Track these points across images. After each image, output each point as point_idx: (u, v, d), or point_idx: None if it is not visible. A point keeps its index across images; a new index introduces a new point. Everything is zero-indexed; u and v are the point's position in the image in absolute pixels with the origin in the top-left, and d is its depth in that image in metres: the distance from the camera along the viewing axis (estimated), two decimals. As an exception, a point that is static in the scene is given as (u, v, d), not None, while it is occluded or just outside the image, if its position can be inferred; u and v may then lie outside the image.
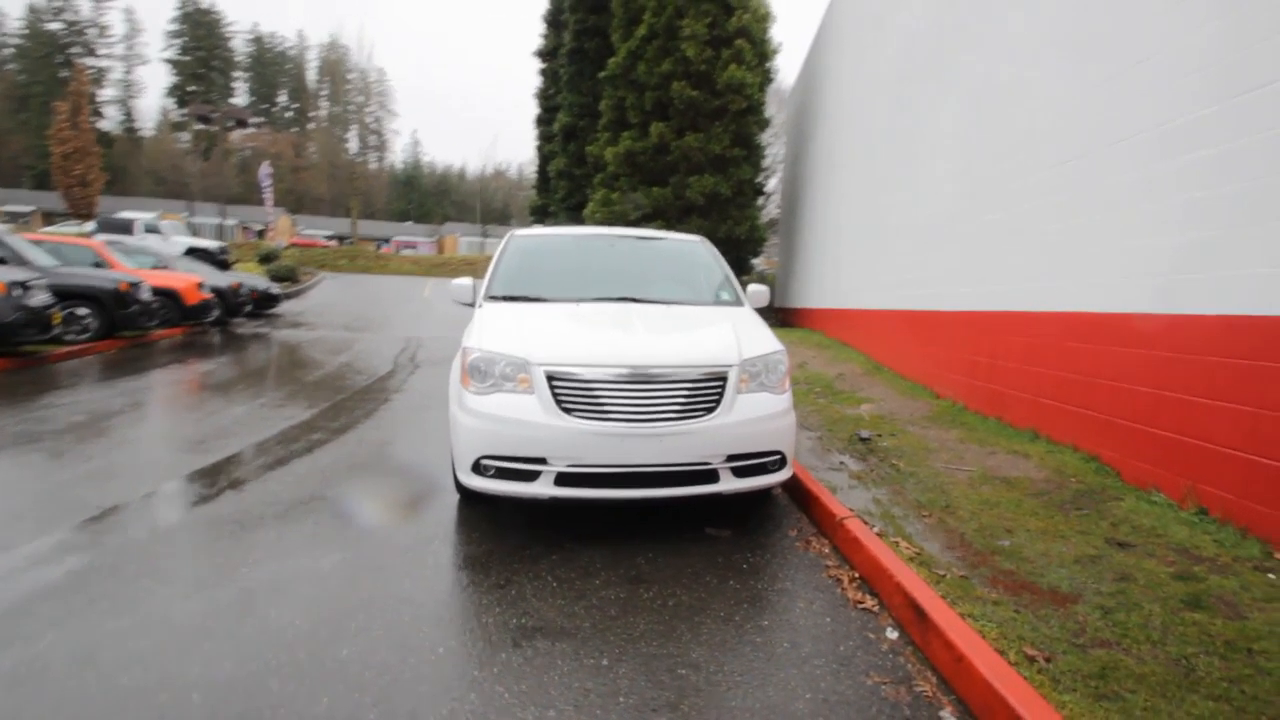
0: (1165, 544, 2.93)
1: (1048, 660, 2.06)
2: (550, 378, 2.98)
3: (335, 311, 16.65)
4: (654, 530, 3.28)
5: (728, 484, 3.06)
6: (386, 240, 54.68)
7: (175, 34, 62.70)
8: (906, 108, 7.49)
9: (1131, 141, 3.79)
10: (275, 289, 16.13)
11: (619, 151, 14.20)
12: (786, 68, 41.28)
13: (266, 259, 23.15)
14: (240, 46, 67.44)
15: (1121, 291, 3.81)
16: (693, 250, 4.65)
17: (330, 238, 47.96)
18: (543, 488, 2.97)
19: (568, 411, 2.93)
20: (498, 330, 3.36)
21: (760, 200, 15.49)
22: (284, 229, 40.40)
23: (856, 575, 2.79)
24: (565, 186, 18.05)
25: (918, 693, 2.05)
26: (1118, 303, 3.84)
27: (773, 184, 19.74)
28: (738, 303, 4.16)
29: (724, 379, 3.08)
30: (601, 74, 15.27)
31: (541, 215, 22.50)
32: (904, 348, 7.22)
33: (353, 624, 2.30)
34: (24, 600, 2.41)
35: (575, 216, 18.34)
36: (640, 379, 2.97)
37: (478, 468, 3.04)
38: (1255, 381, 2.88)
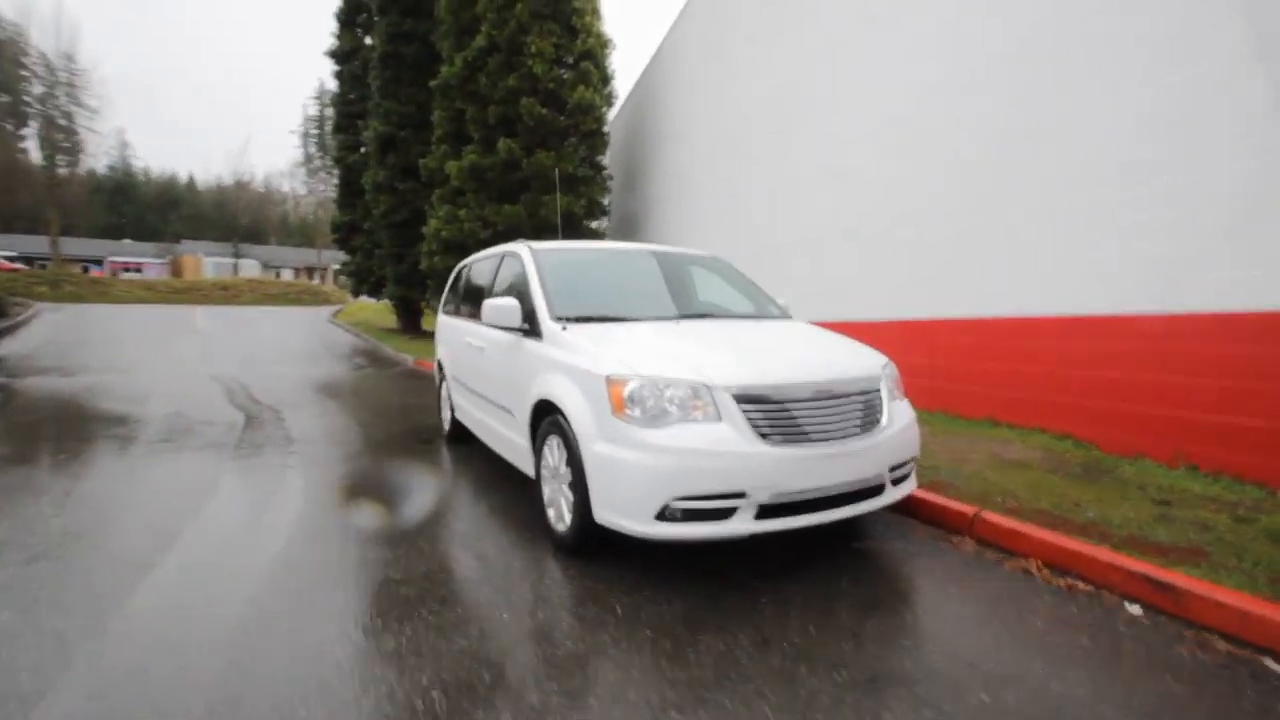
0: (1196, 497, 3.63)
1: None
2: (740, 401, 2.70)
3: (84, 352, 13.03)
4: (800, 557, 3.12)
5: (889, 495, 3.05)
6: (98, 262, 44.20)
7: None
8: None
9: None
10: (-15, 325, 12.08)
11: (463, 166, 13.33)
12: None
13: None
14: None
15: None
16: (721, 265, 4.57)
17: (13, 258, 37.29)
18: (740, 524, 2.66)
19: (764, 437, 2.68)
20: (630, 353, 2.95)
21: (605, 221, 15.72)
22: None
23: (1036, 563, 2.97)
24: (387, 200, 16.36)
25: (1220, 650, 2.25)
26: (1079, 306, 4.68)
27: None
28: (786, 314, 4.19)
29: (879, 390, 3.08)
30: (432, 83, 14.26)
31: (348, 233, 20.06)
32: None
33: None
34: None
35: (400, 233, 16.75)
36: (825, 395, 2.84)
37: (663, 514, 2.62)
38: (1222, 361, 3.73)
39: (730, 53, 10.20)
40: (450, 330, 5.57)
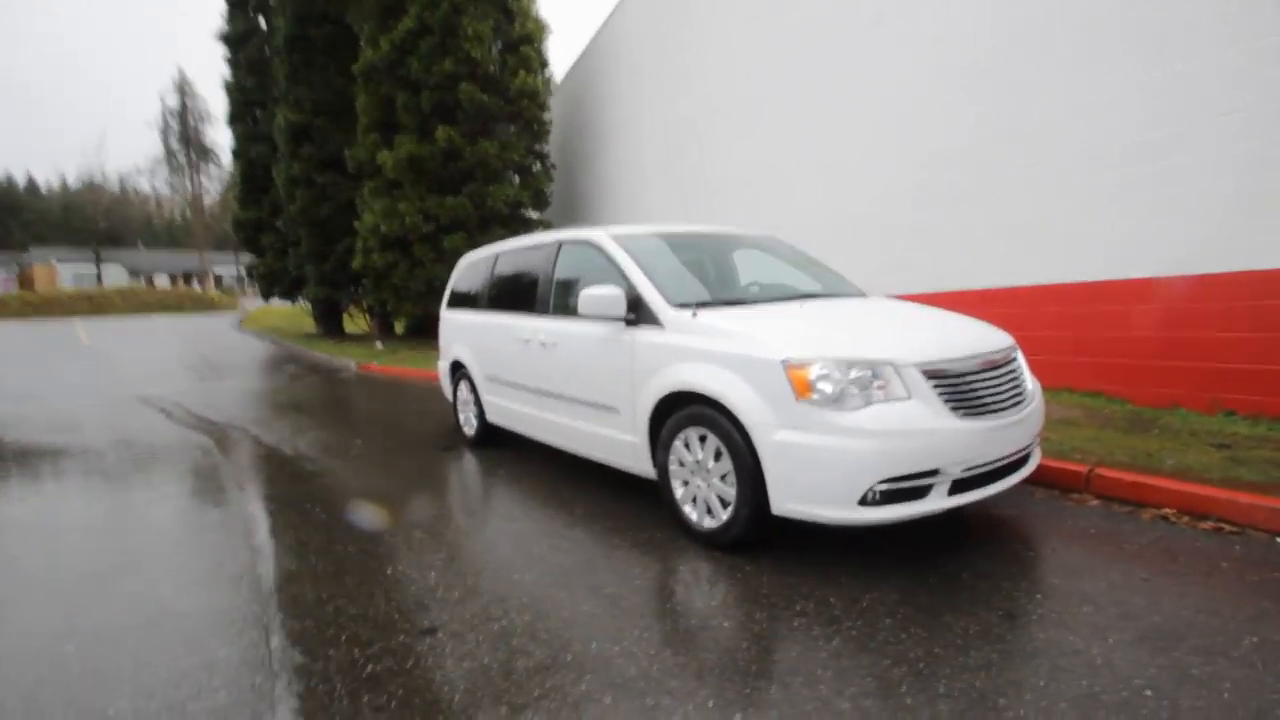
0: (1250, 439, 3.96)
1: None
2: (929, 377, 2.63)
3: (-45, 379, 11.12)
4: (943, 534, 3.11)
5: (1032, 463, 3.10)
6: (-80, 277, 37.99)
7: None
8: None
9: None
10: None
11: (400, 156, 12.45)
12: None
13: None
14: None
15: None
16: (786, 245, 4.48)
17: None
18: (935, 502, 2.61)
19: (954, 412, 2.63)
20: (794, 335, 2.82)
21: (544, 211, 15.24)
22: None
23: (1171, 511, 3.12)
24: (304, 195, 15.00)
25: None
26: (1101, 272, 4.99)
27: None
28: (862, 292, 4.17)
29: (1020, 359, 3.12)
30: (354, 67, 13.20)
31: (254, 231, 18.25)
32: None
33: None
34: None
35: (322, 230, 15.45)
36: (989, 366, 2.83)
37: (865, 498, 2.52)
38: (1256, 314, 4.10)
39: (689, 36, 10.10)
40: (474, 328, 5.16)
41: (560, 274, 4.15)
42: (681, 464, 3.12)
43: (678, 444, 3.12)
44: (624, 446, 3.50)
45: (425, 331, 16.16)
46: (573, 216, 14.62)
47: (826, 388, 2.58)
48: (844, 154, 7.21)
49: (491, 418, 5.05)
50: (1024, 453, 2.94)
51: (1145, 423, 4.49)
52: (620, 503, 3.68)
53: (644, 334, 3.31)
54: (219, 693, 2.04)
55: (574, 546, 3.11)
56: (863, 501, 2.52)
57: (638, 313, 3.37)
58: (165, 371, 12.22)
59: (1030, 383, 3.08)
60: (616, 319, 3.42)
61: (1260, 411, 4.18)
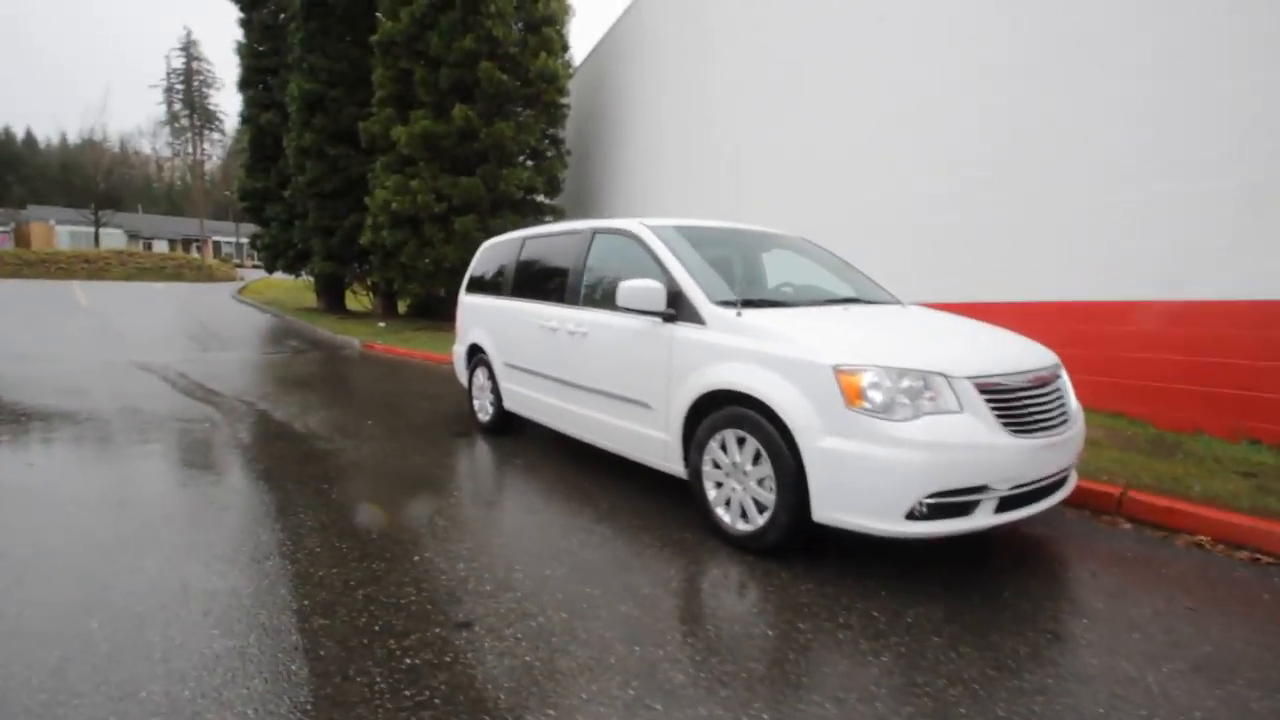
0: (1273, 469, 3.94)
1: None
2: (981, 391, 2.59)
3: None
4: (975, 552, 3.08)
5: (1072, 483, 3.06)
6: (-86, 229, 37.46)
7: None
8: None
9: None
10: None
11: (414, 133, 12.30)
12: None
13: None
14: None
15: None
16: (818, 247, 4.42)
17: None
18: (982, 518, 2.57)
19: (1005, 427, 2.59)
20: (841, 339, 2.77)
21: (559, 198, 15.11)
22: None
23: (1206, 538, 3.10)
24: (314, 167, 14.82)
25: None
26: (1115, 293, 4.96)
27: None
28: (897, 299, 4.12)
29: (1064, 378, 3.07)
30: (372, 38, 13.01)
31: (261, 201, 18.02)
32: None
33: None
34: None
35: (331, 204, 15.28)
36: (1037, 384, 2.79)
37: (912, 512, 2.48)
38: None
39: (715, 23, 9.96)
40: (496, 314, 5.09)
41: (593, 264, 4.08)
42: (716, 465, 3.07)
43: (713, 445, 3.07)
44: (654, 443, 3.45)
45: (429, 312, 16.07)
46: (586, 204, 14.50)
47: (877, 396, 2.53)
48: (875, 139, 7.14)
49: (509, 405, 4.99)
50: (1065, 473, 2.90)
51: (1169, 446, 4.47)
52: (644, 499, 3.64)
53: (683, 330, 3.25)
54: (254, 680, 1.98)
55: (602, 543, 3.06)
56: (909, 515, 2.48)
57: (677, 308, 3.31)
58: (166, 339, 12.09)
59: (1074, 403, 3.04)
60: (654, 313, 3.36)
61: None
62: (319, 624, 2.31)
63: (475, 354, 5.50)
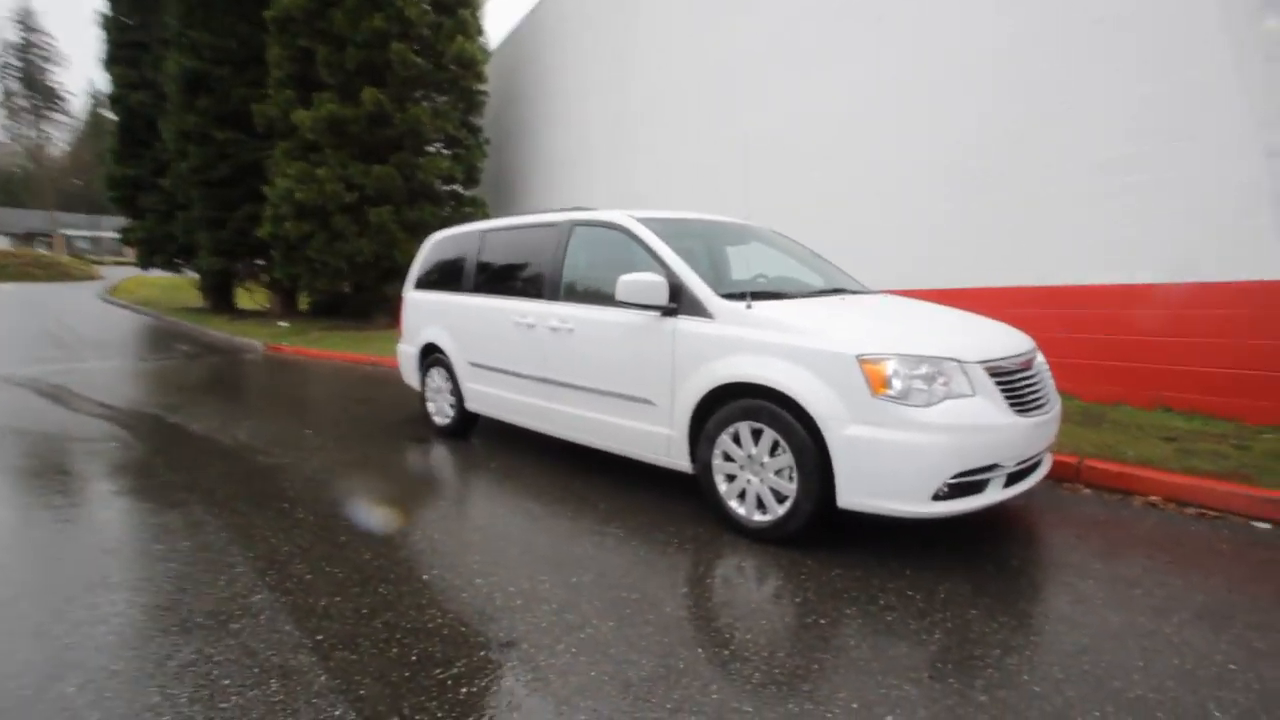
0: (1191, 433, 4.45)
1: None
2: (991, 374, 2.73)
3: None
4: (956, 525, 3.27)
5: (1051, 457, 3.30)
6: None
7: None
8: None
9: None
10: None
11: (319, 116, 11.42)
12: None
13: None
14: None
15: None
16: (785, 237, 4.49)
17: None
18: (992, 495, 2.71)
19: (1011, 408, 2.74)
20: (856, 329, 2.84)
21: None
22: None
23: (1158, 498, 3.44)
24: (202, 154, 13.42)
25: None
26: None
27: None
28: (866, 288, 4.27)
29: (1041, 359, 3.30)
30: (267, 13, 11.95)
31: (132, 189, 16.06)
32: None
33: None
34: None
35: (219, 193, 13.90)
36: (1026, 366, 2.98)
37: (937, 492, 2.58)
38: (1194, 322, 4.61)
39: (652, 12, 9.91)
40: (457, 311, 4.82)
41: (573, 257, 3.95)
42: (728, 458, 3.06)
43: (724, 438, 3.05)
44: (655, 440, 3.39)
45: (334, 310, 15.05)
46: (507, 196, 14.05)
47: (899, 383, 2.61)
48: (829, 137, 7.36)
49: (473, 406, 4.76)
50: (1049, 448, 3.13)
51: (1096, 417, 4.94)
52: (638, 497, 3.57)
53: (687, 324, 3.20)
54: (296, 730, 1.76)
55: (619, 545, 2.98)
56: (934, 496, 2.58)
57: (678, 301, 3.26)
58: (28, 347, 10.60)
59: (1052, 383, 3.28)
60: (654, 307, 3.29)
61: (1193, 409, 4.72)
62: (345, 659, 2.09)
63: (429, 354, 5.20)
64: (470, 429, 5.05)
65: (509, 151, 14.22)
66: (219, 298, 16.77)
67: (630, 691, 1.91)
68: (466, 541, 3.06)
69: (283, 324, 13.88)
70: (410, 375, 5.53)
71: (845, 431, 2.65)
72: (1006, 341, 3.03)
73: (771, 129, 7.84)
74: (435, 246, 5.40)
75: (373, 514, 3.42)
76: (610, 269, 3.87)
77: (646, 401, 3.39)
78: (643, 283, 3.23)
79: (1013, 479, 2.81)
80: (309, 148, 11.81)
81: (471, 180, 13.29)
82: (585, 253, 3.91)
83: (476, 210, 13.24)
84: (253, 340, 11.66)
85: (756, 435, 2.94)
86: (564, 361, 3.85)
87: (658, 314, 3.32)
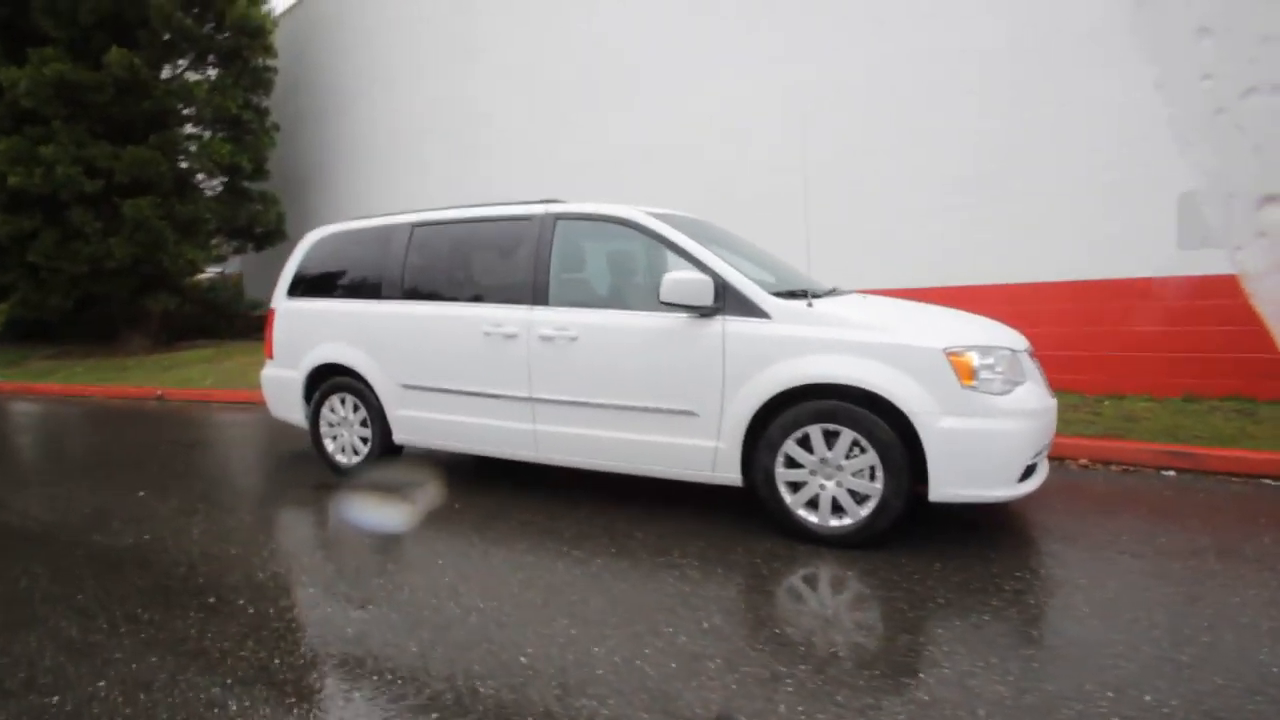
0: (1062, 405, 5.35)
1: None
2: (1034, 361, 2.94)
3: None
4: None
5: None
6: None
7: None
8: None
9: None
10: None
11: (41, 79, 8.64)
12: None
13: None
14: None
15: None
16: (721, 230, 4.33)
17: None
18: (1041, 473, 2.92)
19: (1049, 392, 2.99)
20: (927, 324, 2.89)
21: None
22: None
23: (1086, 460, 4.04)
24: None
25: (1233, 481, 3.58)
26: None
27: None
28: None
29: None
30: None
31: None
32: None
33: None
34: None
35: None
36: (1033, 355, 3.28)
37: (1022, 474, 2.71)
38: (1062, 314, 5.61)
39: None
40: (375, 321, 3.94)
41: (562, 256, 3.43)
42: (791, 464, 2.89)
43: (789, 443, 2.89)
44: (697, 454, 3.08)
45: (49, 334, 11.56)
46: (303, 191, 12.03)
47: (984, 374, 2.69)
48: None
49: (403, 437, 3.93)
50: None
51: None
52: (668, 519, 3.23)
53: (740, 325, 2.96)
54: None
55: (705, 577, 2.63)
56: (1019, 478, 2.72)
57: (724, 302, 3.00)
58: None
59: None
60: (694, 309, 2.99)
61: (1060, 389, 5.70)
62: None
63: (325, 378, 4.18)
64: (379, 465, 4.11)
65: (302, 140, 12.20)
66: None
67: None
68: (499, 598, 2.45)
69: (-28, 353, 10.31)
70: (288, 408, 4.40)
71: (940, 424, 2.65)
72: (1015, 333, 3.32)
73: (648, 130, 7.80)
74: (320, 244, 4.37)
75: (336, 590, 2.59)
76: (617, 268, 3.46)
77: (687, 413, 3.07)
78: (687, 282, 2.91)
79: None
80: (23, 117, 8.88)
81: (260, 171, 11.16)
82: (578, 250, 3.44)
83: (268, 208, 11.16)
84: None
85: (831, 437, 2.82)
86: (563, 375, 3.33)
87: (695, 316, 3.03)
